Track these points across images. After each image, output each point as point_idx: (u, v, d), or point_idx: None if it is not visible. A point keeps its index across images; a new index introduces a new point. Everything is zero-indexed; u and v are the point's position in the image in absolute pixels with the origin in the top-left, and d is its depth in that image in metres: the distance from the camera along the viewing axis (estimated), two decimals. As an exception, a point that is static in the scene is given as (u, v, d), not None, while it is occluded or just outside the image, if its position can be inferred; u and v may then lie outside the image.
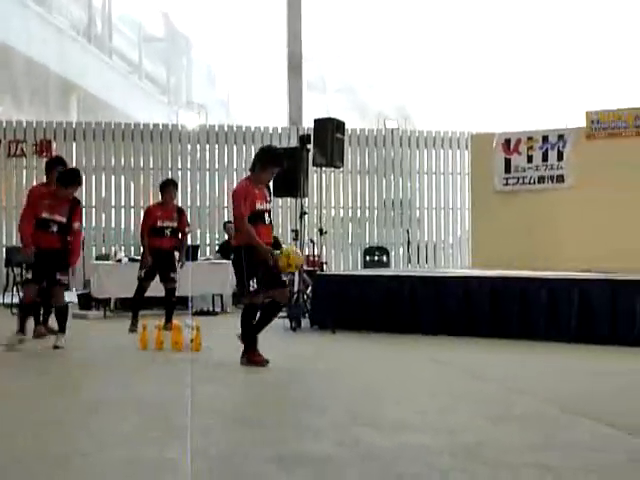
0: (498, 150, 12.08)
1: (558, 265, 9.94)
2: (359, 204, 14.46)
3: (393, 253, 14.29)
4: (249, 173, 6.91)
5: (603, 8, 18.87)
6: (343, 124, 10.72)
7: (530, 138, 11.96)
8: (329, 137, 10.19)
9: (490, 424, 4.58)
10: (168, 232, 9.32)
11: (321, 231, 10.49)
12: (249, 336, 6.61)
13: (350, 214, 14.51)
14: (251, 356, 6.57)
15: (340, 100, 20.41)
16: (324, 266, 10.63)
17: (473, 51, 18.35)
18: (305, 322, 9.55)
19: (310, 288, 10.21)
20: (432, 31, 18.93)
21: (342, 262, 14.22)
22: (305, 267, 10.49)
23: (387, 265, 13.75)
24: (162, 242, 9.28)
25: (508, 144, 12.06)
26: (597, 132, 11.38)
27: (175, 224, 9.36)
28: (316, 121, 10.51)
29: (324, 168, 10.93)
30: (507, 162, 12.05)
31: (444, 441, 4.15)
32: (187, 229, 9.62)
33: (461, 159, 14.48)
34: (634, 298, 7.94)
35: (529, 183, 11.87)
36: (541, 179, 11.80)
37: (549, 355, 7.48)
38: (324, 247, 11.92)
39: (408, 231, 14.07)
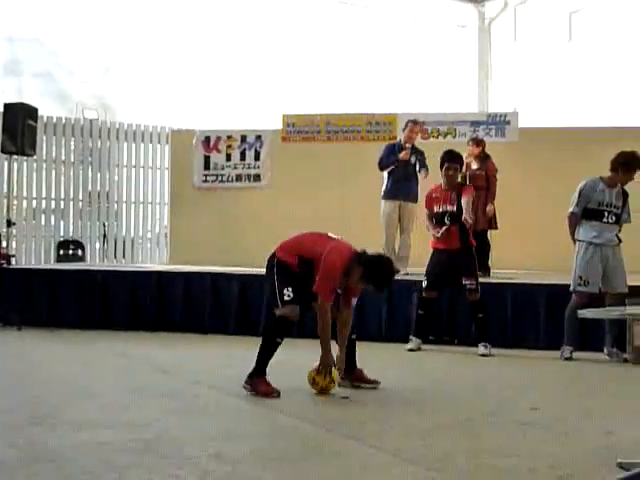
0: (198, 147, 12.15)
1: (253, 260, 10.15)
2: (54, 195, 13.83)
3: (89, 247, 13.85)
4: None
5: (298, 18, 19.72)
6: (36, 110, 10.22)
7: (230, 137, 12.16)
8: (20, 123, 9.66)
9: (172, 418, 4.57)
10: None
11: (9, 222, 9.91)
12: (264, 357, 5.36)
13: (44, 205, 13.85)
14: (258, 384, 5.28)
15: (38, 86, 19.39)
16: (11, 259, 10.05)
17: (175, 47, 18.33)
18: (-12, 319, 8.98)
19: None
20: (138, 24, 18.64)
21: (33, 255, 13.53)
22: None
23: (82, 259, 13.30)
24: None
25: (208, 142, 12.16)
26: (292, 135, 11.84)
27: None
28: (6, 105, 9.92)
29: (14, 156, 10.35)
30: (206, 159, 12.15)
31: (124, 437, 4.08)
32: None
33: (161, 154, 14.39)
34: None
35: (227, 181, 12.06)
36: (239, 177, 12.03)
37: (238, 348, 7.61)
38: (12, 239, 11.28)
39: (105, 225, 13.74)
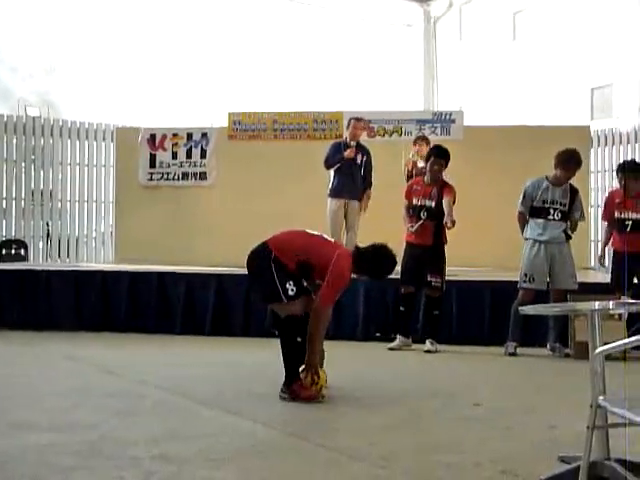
0: (143, 145, 12.03)
1: (200, 259, 10.17)
2: (-5, 194, 13.58)
3: (32, 246, 13.61)
4: None
5: (255, 14, 19.66)
6: (-23, 108, 10.03)
7: (175, 135, 12.06)
8: (-40, 120, 9.48)
9: (117, 419, 4.53)
10: None
11: (-51, 221, 9.71)
12: (292, 362, 5.13)
13: (-15, 204, 13.56)
14: (299, 389, 5.08)
15: (-22, 83, 19.02)
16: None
17: (120, 44, 18.17)
18: None
19: None
20: (83, 20, 18.41)
21: (-25, 256, 13.25)
22: None
23: (25, 259, 13.06)
24: None
25: (154, 139, 12.05)
26: (239, 133, 11.79)
27: None
28: (-55, 102, 9.71)
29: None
30: (152, 157, 12.03)
31: (68, 439, 4.03)
32: None
33: (106, 151, 14.21)
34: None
35: (173, 179, 11.97)
36: (185, 175, 11.94)
37: (184, 348, 7.62)
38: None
39: (48, 224, 13.53)
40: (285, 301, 5.11)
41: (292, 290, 5.11)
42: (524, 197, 7.43)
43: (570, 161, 7.33)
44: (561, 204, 7.35)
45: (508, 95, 21.10)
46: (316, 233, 5.51)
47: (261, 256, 5.29)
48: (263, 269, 5.21)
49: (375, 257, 5.35)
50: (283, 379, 5.14)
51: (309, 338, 5.19)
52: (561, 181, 7.38)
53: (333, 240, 5.62)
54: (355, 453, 3.86)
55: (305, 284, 5.26)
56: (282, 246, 5.30)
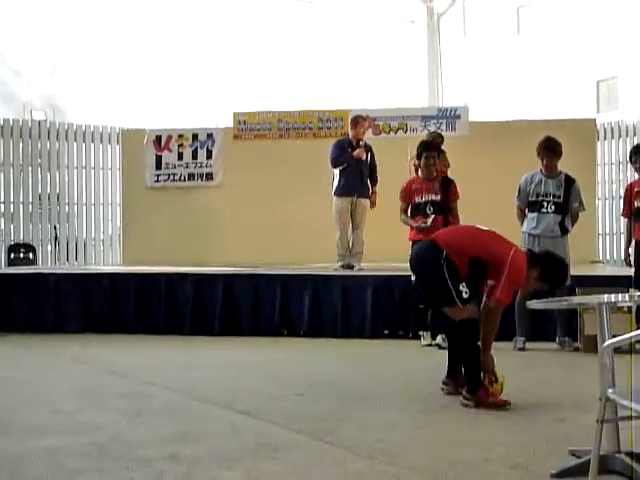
0: (149, 146, 12.05)
1: (208, 259, 10.19)
2: (3, 198, 13.60)
3: (40, 250, 13.64)
4: None
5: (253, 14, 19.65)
6: (-18, 112, 10.05)
7: (181, 136, 12.07)
8: (-35, 126, 9.51)
9: (126, 420, 4.53)
10: None
11: (-43, 227, 9.74)
12: (475, 367, 4.94)
13: (-7, 209, 13.60)
14: (485, 395, 4.85)
15: (-17, 88, 19.08)
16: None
17: (124, 47, 18.18)
18: None
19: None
20: (85, 23, 18.44)
21: (-17, 260, 13.30)
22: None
23: (34, 263, 13.09)
24: None
25: (159, 141, 12.06)
26: (244, 132, 11.79)
27: None
28: (-50, 108, 9.74)
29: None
30: (158, 158, 12.05)
31: (77, 441, 4.03)
32: None
33: (112, 154, 14.21)
34: (274, 291, 8.35)
35: (180, 180, 11.98)
36: (191, 176, 11.95)
37: (193, 349, 7.62)
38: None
39: (56, 227, 13.55)
40: (460, 305, 4.88)
41: (466, 293, 4.88)
42: (519, 192, 7.42)
43: (538, 149, 7.27)
44: (555, 196, 7.24)
45: (513, 89, 21.04)
46: (487, 229, 5.25)
47: (431, 257, 5.04)
48: (434, 271, 4.96)
49: (559, 265, 5.19)
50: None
51: (484, 338, 5.03)
52: (547, 171, 7.29)
53: (503, 237, 5.22)
54: (363, 449, 3.85)
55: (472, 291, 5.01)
56: (453, 244, 5.06)
